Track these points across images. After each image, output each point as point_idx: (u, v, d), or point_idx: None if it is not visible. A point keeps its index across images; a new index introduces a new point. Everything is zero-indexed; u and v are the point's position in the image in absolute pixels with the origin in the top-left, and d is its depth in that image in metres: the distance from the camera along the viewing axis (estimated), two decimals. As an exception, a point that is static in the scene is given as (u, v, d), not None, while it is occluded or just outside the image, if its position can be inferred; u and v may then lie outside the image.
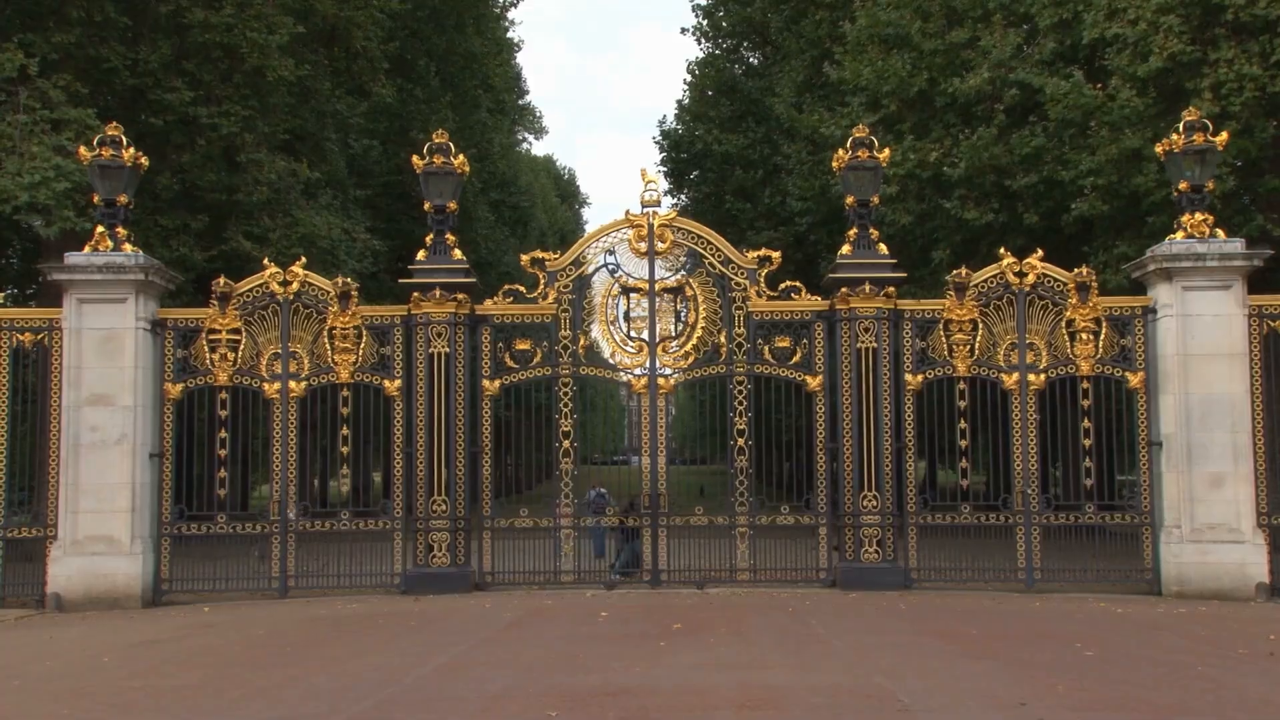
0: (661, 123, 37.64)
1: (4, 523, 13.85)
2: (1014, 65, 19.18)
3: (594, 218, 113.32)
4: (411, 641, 10.43)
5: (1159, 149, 14.17)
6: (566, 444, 14.45)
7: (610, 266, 14.70)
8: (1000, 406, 14.27)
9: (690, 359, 14.62)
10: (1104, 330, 14.11)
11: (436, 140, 14.52)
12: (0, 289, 15.16)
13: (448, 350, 14.13)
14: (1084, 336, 14.09)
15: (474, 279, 14.64)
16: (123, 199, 13.97)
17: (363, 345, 14.32)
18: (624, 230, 14.72)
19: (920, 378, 14.21)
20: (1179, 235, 13.76)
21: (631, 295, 14.69)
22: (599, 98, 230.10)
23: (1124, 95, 17.17)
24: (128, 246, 13.89)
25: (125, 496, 13.58)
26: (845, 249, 14.38)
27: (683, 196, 36.51)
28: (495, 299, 14.71)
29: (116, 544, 13.56)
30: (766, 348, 14.47)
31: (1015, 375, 14.18)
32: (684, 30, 43.80)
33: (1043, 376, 14.15)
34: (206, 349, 14.20)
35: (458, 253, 14.52)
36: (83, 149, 14.18)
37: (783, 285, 14.62)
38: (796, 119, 26.39)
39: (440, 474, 14.04)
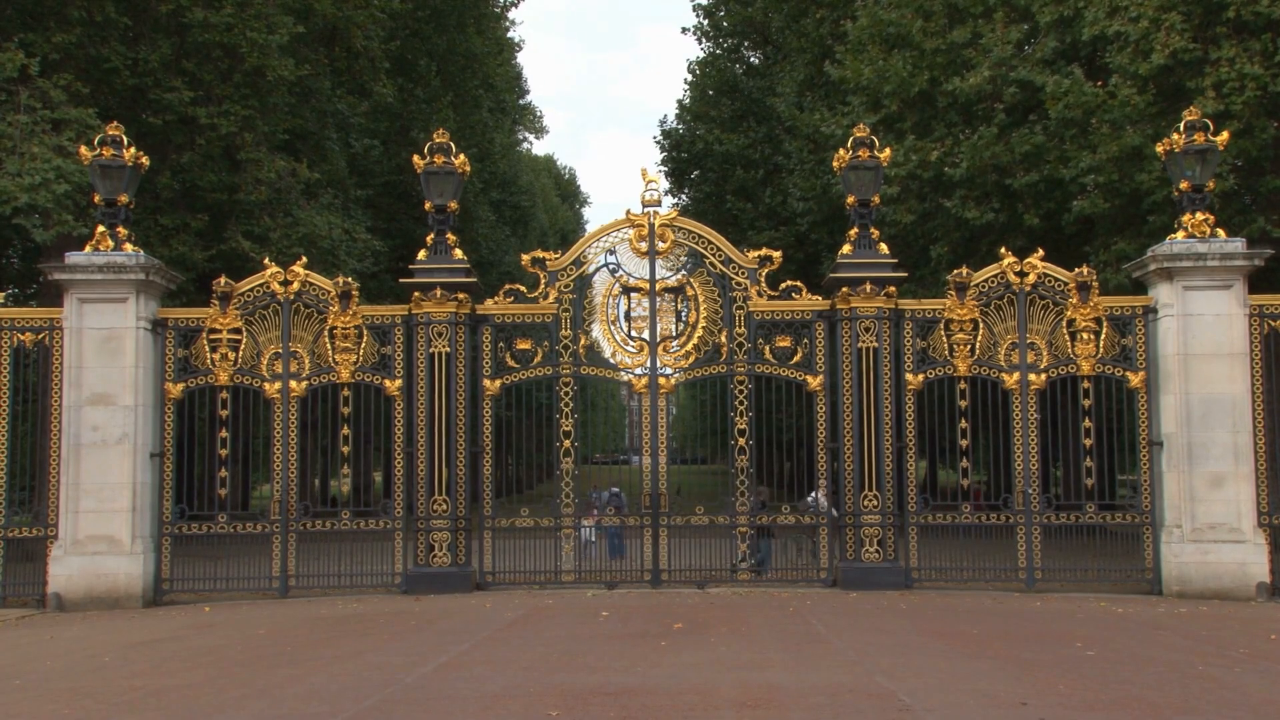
0: (663, 122, 37.78)
1: (5, 522, 13.85)
2: (1015, 64, 19.19)
3: (595, 217, 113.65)
4: (412, 641, 10.42)
5: (1160, 148, 14.16)
6: (567, 443, 14.44)
7: (611, 266, 14.70)
8: (1001, 406, 14.26)
9: (691, 359, 14.61)
10: (1105, 330, 14.10)
11: (437, 140, 14.52)
12: (0, 289, 15.11)
13: (448, 350, 14.13)
14: (1085, 336, 14.08)
15: (475, 279, 14.63)
16: (123, 199, 13.97)
17: (363, 345, 14.32)
18: (625, 230, 14.72)
19: (921, 377, 14.20)
20: (1180, 235, 13.75)
21: (632, 295, 14.69)
22: (608, 97, 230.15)
23: (1125, 93, 17.17)
24: (128, 246, 13.89)
25: (126, 496, 13.59)
26: (846, 249, 14.38)
27: (683, 196, 36.59)
28: (496, 299, 14.71)
29: (117, 544, 13.57)
30: (767, 347, 14.47)
31: (1016, 375, 14.17)
32: (685, 30, 43.90)
33: (1043, 376, 14.15)
34: (207, 348, 14.21)
35: (458, 252, 14.52)
36: (83, 149, 14.18)
37: (783, 285, 14.61)
38: (797, 118, 26.41)
39: (441, 474, 14.04)
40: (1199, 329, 13.60)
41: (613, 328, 14.69)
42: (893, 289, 14.21)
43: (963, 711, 7.22)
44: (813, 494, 14.50)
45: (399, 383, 14.26)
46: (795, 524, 14.83)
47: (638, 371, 14.62)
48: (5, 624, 12.62)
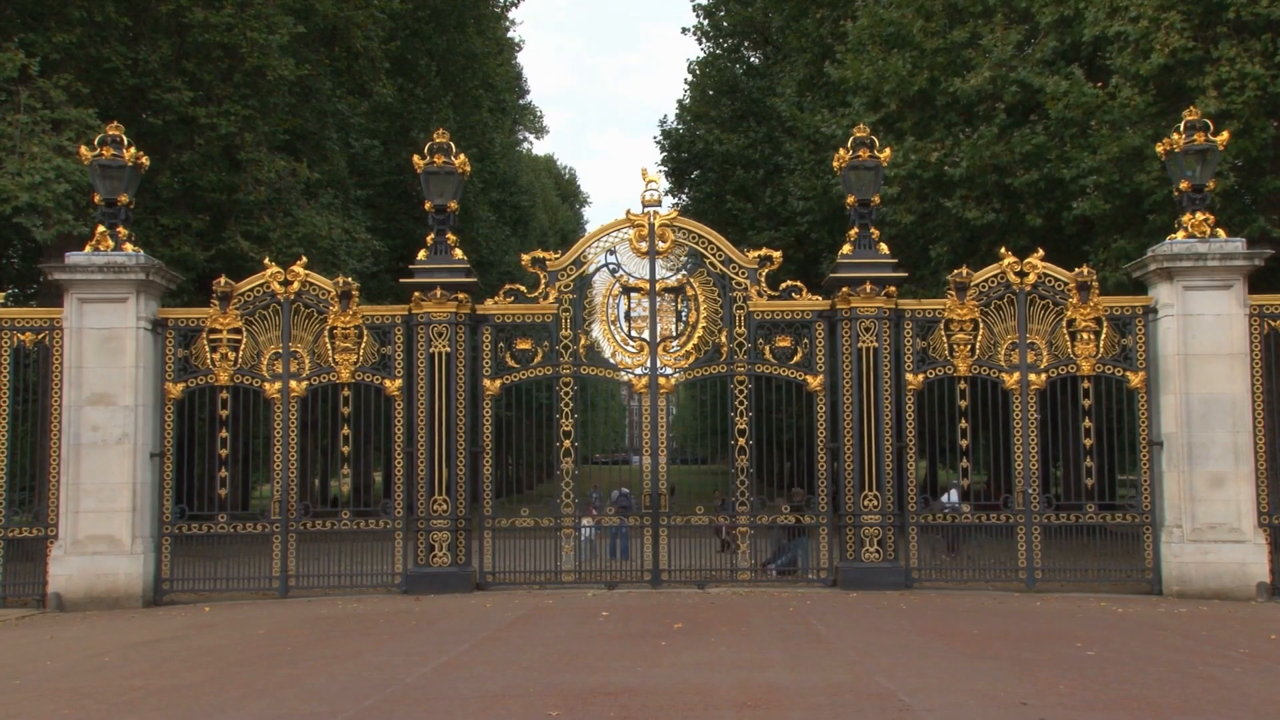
0: (663, 122, 37.78)
1: (5, 522, 13.85)
2: (1014, 64, 19.19)
3: (595, 217, 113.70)
4: (412, 641, 10.43)
5: (1160, 148, 14.16)
6: (567, 443, 14.44)
7: (611, 266, 14.70)
8: (1001, 406, 14.26)
9: (691, 359, 14.61)
10: (1105, 330, 14.10)
11: (437, 140, 14.52)
12: (0, 289, 15.12)
13: (448, 350, 14.13)
14: (1085, 336, 14.08)
15: (475, 279, 14.63)
16: (123, 199, 13.96)
17: (363, 345, 14.32)
18: (625, 230, 14.72)
19: (921, 377, 14.20)
20: (1180, 235, 13.75)
21: (632, 295, 14.69)
22: (608, 97, 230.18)
23: (1125, 93, 17.17)
24: (128, 246, 13.89)
25: (126, 496, 13.59)
26: (846, 249, 14.38)
27: (684, 196, 36.59)
28: (496, 299, 14.71)
29: (117, 543, 13.57)
30: (767, 347, 14.47)
31: (1016, 375, 14.17)
32: (685, 30, 43.83)
33: (1043, 376, 14.15)
34: (207, 348, 14.21)
35: (459, 252, 14.52)
36: (84, 149, 14.18)
37: (784, 285, 14.62)
38: (797, 118, 26.41)
39: (441, 474, 14.04)
40: (1199, 329, 13.60)
41: (613, 328, 14.69)
42: (893, 289, 14.21)
43: (963, 711, 7.22)
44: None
45: (399, 383, 14.26)
46: (797, 524, 14.82)
47: (638, 371, 14.62)
48: (5, 624, 12.62)
